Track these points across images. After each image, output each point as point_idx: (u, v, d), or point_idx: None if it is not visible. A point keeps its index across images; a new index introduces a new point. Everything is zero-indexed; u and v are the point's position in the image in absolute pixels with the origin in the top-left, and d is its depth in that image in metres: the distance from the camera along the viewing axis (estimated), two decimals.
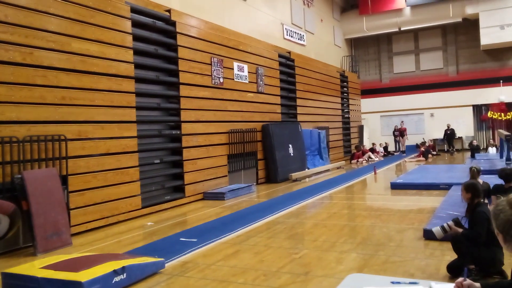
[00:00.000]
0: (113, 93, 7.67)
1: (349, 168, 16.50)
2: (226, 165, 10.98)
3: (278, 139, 12.89)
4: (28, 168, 6.10)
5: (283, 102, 14.42)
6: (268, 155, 12.71)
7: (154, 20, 9.01)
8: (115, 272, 4.13)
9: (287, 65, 14.88)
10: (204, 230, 6.68)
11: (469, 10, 20.05)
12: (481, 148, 20.42)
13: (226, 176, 10.97)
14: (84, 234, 6.82)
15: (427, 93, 22.44)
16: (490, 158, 14.68)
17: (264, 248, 5.51)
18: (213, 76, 10.55)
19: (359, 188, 11.26)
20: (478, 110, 21.94)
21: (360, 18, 22.19)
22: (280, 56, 14.30)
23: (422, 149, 18.96)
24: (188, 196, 9.49)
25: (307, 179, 13.11)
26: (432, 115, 22.54)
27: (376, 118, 23.90)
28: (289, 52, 15.26)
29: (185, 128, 9.55)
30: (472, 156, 16.19)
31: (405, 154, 20.66)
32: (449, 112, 21.81)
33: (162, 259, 4.87)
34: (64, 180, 6.56)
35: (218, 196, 9.80)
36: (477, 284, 2.21)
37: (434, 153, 20.11)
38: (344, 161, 17.70)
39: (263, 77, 12.99)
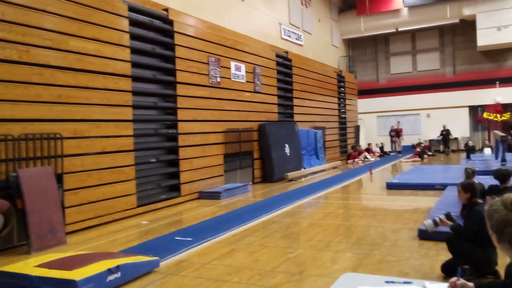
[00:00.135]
0: (109, 92, 7.66)
1: (345, 168, 16.52)
2: (222, 164, 10.98)
3: (274, 138, 12.90)
4: (23, 166, 6.09)
5: (280, 102, 14.43)
6: (264, 154, 12.71)
7: (152, 19, 8.99)
8: (110, 271, 4.13)
9: (284, 65, 14.89)
10: (200, 229, 6.68)
11: (466, 11, 20.12)
12: (477, 149, 20.49)
13: (222, 175, 10.97)
14: (79, 232, 6.81)
15: (424, 94, 22.49)
16: (485, 159, 14.73)
17: (259, 247, 5.51)
18: (210, 75, 10.54)
19: (355, 188, 11.28)
20: (474, 111, 22.02)
21: (357, 18, 22.22)
22: (277, 56, 14.30)
23: (418, 149, 19.02)
24: (184, 195, 9.49)
25: (303, 179, 13.12)
26: (428, 115, 22.60)
27: (372, 119, 23.94)
28: (287, 52, 15.26)
29: (182, 127, 9.54)
30: (468, 157, 16.24)
31: (401, 155, 20.71)
32: (446, 113, 21.88)
33: (157, 258, 4.87)
34: (59, 178, 6.54)
35: (213, 195, 9.79)
36: (471, 284, 2.21)
37: (430, 153, 20.18)
38: (340, 161, 17.72)
39: (260, 77, 12.99)
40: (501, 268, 3.85)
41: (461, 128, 21.86)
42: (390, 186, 10.20)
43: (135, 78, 8.38)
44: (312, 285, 4.11)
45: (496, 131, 15.38)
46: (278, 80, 14.32)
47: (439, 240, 4.99)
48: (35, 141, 6.28)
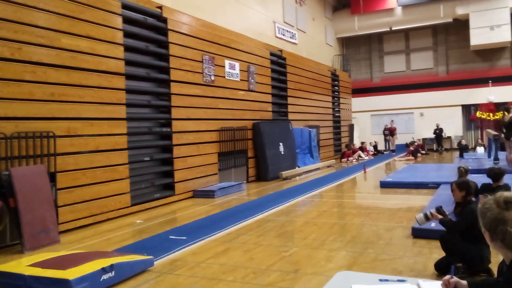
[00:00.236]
0: (103, 90, 7.61)
1: (339, 166, 16.57)
2: (216, 163, 10.97)
3: (268, 137, 12.90)
4: (15, 165, 6.04)
5: (274, 101, 14.43)
6: (258, 153, 12.71)
7: (145, 17, 8.96)
8: (104, 270, 4.11)
9: (278, 63, 14.89)
10: (194, 228, 6.66)
11: (460, 11, 20.22)
12: (470, 148, 20.62)
13: (217, 174, 10.96)
14: (73, 231, 6.77)
15: (417, 93, 22.58)
16: (478, 158, 14.83)
17: (254, 246, 5.51)
18: (204, 73, 10.52)
19: (349, 187, 11.31)
20: (467, 110, 22.15)
21: (351, 17, 22.27)
22: (271, 54, 14.30)
23: (412, 148, 19.10)
24: (178, 194, 9.46)
25: (297, 178, 13.13)
26: (422, 114, 22.70)
27: (366, 117, 24.01)
28: (281, 51, 15.26)
29: (176, 125, 9.51)
30: (461, 156, 16.34)
31: (394, 153, 20.79)
32: (439, 111, 21.99)
33: (151, 257, 4.85)
34: (52, 177, 6.50)
35: (208, 194, 9.78)
36: (464, 282, 2.23)
37: (423, 152, 20.28)
38: (334, 160, 17.77)
39: (255, 75, 12.98)
40: (494, 266, 3.88)
41: (454, 127, 21.99)
42: (384, 185, 10.25)
43: (128, 76, 8.34)
44: (306, 284, 4.12)
45: (489, 130, 15.47)
46: (273, 79, 14.32)
47: (432, 238, 5.02)
48: (27, 140, 6.23)
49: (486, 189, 5.90)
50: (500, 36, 19.60)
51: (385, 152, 21.74)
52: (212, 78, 10.85)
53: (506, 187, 5.83)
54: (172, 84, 9.43)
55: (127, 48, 8.34)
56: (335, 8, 23.02)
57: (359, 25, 22.25)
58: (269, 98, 13.98)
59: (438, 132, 21.06)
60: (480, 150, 18.14)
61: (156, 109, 9.35)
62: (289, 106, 15.39)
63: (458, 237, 4.08)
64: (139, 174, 8.61)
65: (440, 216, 4.21)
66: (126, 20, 8.36)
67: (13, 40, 6.14)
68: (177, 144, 9.54)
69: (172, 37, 9.49)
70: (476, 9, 19.83)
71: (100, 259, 4.31)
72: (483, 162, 12.64)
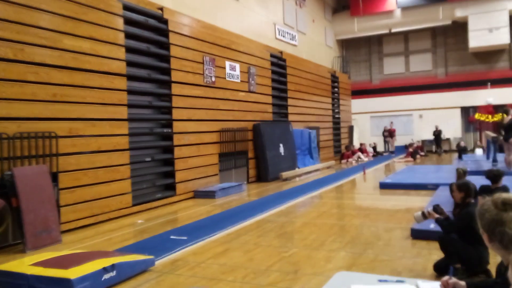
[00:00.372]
0: (104, 91, 7.65)
1: (339, 168, 16.61)
2: (217, 163, 11.00)
3: (269, 138, 12.94)
4: (18, 165, 6.08)
5: (275, 102, 14.47)
6: (259, 154, 12.75)
7: (147, 18, 9.00)
8: (105, 270, 4.14)
9: (278, 65, 14.93)
10: (195, 228, 6.70)
11: (459, 13, 20.28)
12: (468, 150, 20.67)
13: (217, 174, 10.99)
14: (74, 231, 6.80)
15: (416, 95, 22.65)
16: (477, 159, 14.89)
17: (254, 246, 5.55)
18: (205, 74, 10.56)
19: (349, 188, 11.35)
20: (466, 112, 22.21)
21: (351, 19, 22.32)
22: (272, 56, 14.34)
23: (411, 149, 19.15)
24: (179, 194, 9.50)
25: (297, 179, 13.17)
26: (421, 116, 22.76)
27: (366, 119, 24.06)
28: (281, 52, 15.31)
29: (177, 126, 9.55)
30: (460, 157, 16.38)
31: (394, 155, 20.84)
32: (438, 113, 22.05)
33: (152, 256, 4.88)
34: (54, 177, 6.53)
35: (208, 195, 9.81)
36: (463, 283, 2.26)
37: (422, 153, 20.32)
38: (334, 161, 17.80)
39: (255, 77, 13.03)
40: (492, 267, 3.92)
41: (453, 129, 22.04)
42: (383, 186, 10.29)
43: (130, 77, 8.38)
44: (306, 284, 4.15)
45: (488, 132, 15.53)
46: (273, 80, 14.36)
47: (431, 239, 5.06)
48: (30, 140, 6.27)
49: (485, 190, 5.93)
50: (498, 39, 19.67)
51: (384, 154, 21.78)
52: (213, 79, 10.89)
53: (504, 189, 5.86)
54: (173, 85, 9.47)
55: (129, 49, 8.38)
56: (335, 10, 23.07)
57: (359, 27, 22.31)
58: (269, 99, 14.03)
59: (437, 133, 21.12)
60: (479, 151, 18.19)
61: (157, 110, 9.40)
62: (289, 108, 15.43)
63: (457, 239, 4.12)
64: (140, 175, 8.64)
65: (436, 215, 4.25)
66: (128, 22, 8.41)
67: (16, 41, 6.18)
68: (178, 145, 9.58)
69: (173, 39, 9.53)
70: (475, 11, 19.90)
71: (101, 259, 4.34)
72: (481, 164, 12.70)
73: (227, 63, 11.62)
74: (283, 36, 16.39)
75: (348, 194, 10.54)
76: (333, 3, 22.93)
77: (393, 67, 23.79)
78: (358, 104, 23.66)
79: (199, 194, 9.93)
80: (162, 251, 5.34)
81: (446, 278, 2.28)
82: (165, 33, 9.41)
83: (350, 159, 18.30)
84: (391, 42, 23.82)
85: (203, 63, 10.50)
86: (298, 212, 8.17)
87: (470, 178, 6.76)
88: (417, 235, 5.53)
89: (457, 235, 4.15)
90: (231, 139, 11.55)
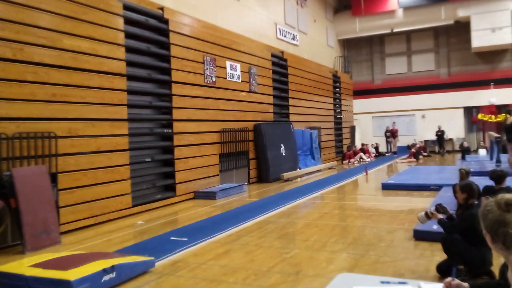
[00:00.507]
0: (104, 91, 7.62)
1: (341, 168, 16.55)
2: (217, 164, 10.96)
3: (270, 138, 12.90)
4: (17, 165, 6.04)
5: (276, 102, 14.43)
6: (260, 154, 12.71)
7: (147, 18, 8.97)
8: (105, 271, 4.11)
9: (280, 64, 14.89)
10: (195, 229, 6.66)
11: (461, 13, 20.21)
12: (472, 150, 20.59)
13: (218, 175, 10.95)
14: (74, 232, 6.77)
15: (419, 95, 22.57)
16: (480, 160, 14.81)
17: (255, 247, 5.50)
18: (205, 74, 10.52)
19: (351, 189, 11.30)
20: (469, 112, 22.13)
21: (353, 19, 22.27)
22: (273, 55, 14.30)
23: (413, 150, 19.08)
24: (179, 195, 9.46)
25: (298, 179, 13.12)
26: (423, 116, 22.69)
27: (368, 119, 24.00)
28: (282, 52, 15.27)
29: (177, 126, 9.52)
30: (463, 158, 16.31)
31: (396, 155, 20.77)
32: (440, 113, 21.97)
33: (152, 258, 4.85)
34: (53, 177, 6.50)
35: (209, 195, 9.77)
36: (466, 284, 2.22)
37: (425, 154, 20.25)
38: (335, 162, 17.75)
39: (256, 77, 12.99)
40: (495, 268, 3.87)
41: (456, 129, 21.96)
42: (386, 187, 10.22)
43: (130, 77, 8.35)
44: (307, 286, 4.11)
45: (491, 132, 15.45)
46: (274, 80, 14.32)
47: (434, 240, 5.01)
48: (29, 140, 6.23)
49: (489, 191, 5.87)
50: (501, 38, 19.59)
51: (386, 154, 21.71)
52: (213, 79, 10.85)
53: (508, 190, 5.80)
54: (173, 85, 9.43)
55: (129, 49, 8.35)
56: (336, 9, 23.03)
57: (360, 26, 22.25)
58: (270, 99, 13.99)
59: (440, 134, 21.04)
60: (482, 152, 18.10)
61: (157, 110, 9.36)
62: (290, 108, 15.39)
63: (460, 240, 4.07)
64: (140, 175, 8.61)
65: (440, 216, 4.21)
66: (128, 21, 8.38)
67: (15, 40, 6.15)
68: (178, 145, 9.54)
69: (173, 38, 9.50)
70: (478, 11, 19.82)
71: (101, 260, 4.31)
72: (485, 164, 12.62)
73: (228, 63, 11.58)
74: (284, 36, 16.35)
75: (350, 195, 10.48)
76: (335, 3, 22.89)
77: (395, 67, 23.73)
78: (360, 104, 23.60)
79: (199, 195, 9.89)
80: (162, 252, 5.30)
81: (449, 279, 2.24)
82: (165, 33, 9.38)
83: (352, 160, 18.25)
84: (393, 42, 23.75)
85: (203, 63, 10.47)
86: (300, 213, 8.12)
87: (474, 179, 6.72)
88: (420, 236, 5.48)
89: (460, 236, 4.10)
90: (232, 139, 11.51)
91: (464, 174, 6.56)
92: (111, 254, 4.86)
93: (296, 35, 17.41)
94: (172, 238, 6.12)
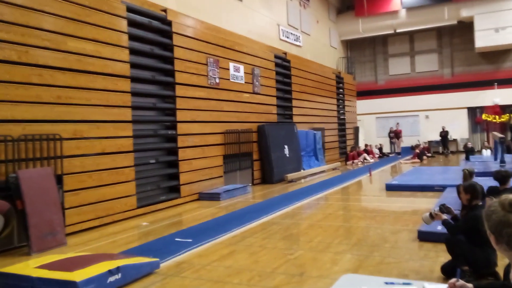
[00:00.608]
0: (108, 93, 7.66)
1: (345, 169, 16.54)
2: (221, 165, 10.98)
3: (273, 140, 12.91)
4: (23, 167, 6.08)
5: (279, 103, 14.44)
6: (263, 155, 12.72)
7: (150, 20, 9.00)
8: (110, 272, 4.13)
9: (283, 66, 14.90)
10: (200, 230, 6.68)
11: (464, 13, 20.16)
12: (476, 150, 20.53)
13: (222, 176, 10.97)
14: (79, 234, 6.80)
15: (422, 95, 22.54)
16: (485, 160, 14.77)
17: (259, 248, 5.52)
18: (209, 76, 10.55)
19: (354, 190, 11.29)
20: (473, 112, 22.06)
21: (356, 19, 22.25)
22: (276, 57, 14.32)
23: (417, 151, 19.04)
24: (184, 197, 9.49)
25: (302, 180, 13.12)
26: (427, 117, 22.64)
27: (371, 120, 23.97)
28: (285, 53, 15.28)
29: (181, 128, 9.54)
30: (467, 158, 16.26)
31: (400, 156, 20.73)
32: (444, 114, 21.92)
33: (157, 259, 4.87)
34: (59, 179, 6.54)
35: (213, 197, 9.79)
36: (470, 285, 2.22)
37: (429, 155, 20.20)
38: (339, 162, 17.73)
39: (259, 78, 13.00)
40: (500, 269, 3.86)
41: (460, 130, 21.90)
42: (390, 188, 10.21)
43: (134, 79, 8.38)
44: (312, 287, 4.11)
45: (495, 133, 15.40)
46: (277, 81, 14.33)
47: (439, 241, 5.00)
48: (34, 142, 6.27)
49: (493, 192, 5.87)
50: (505, 38, 19.52)
51: (390, 155, 21.67)
52: (217, 80, 10.88)
53: None
54: (177, 86, 9.46)
55: (132, 51, 8.38)
56: (339, 10, 23.02)
57: (364, 27, 22.24)
58: (273, 100, 14.00)
59: (444, 134, 20.99)
60: (487, 152, 18.04)
61: (161, 111, 9.39)
62: (294, 109, 15.39)
63: (464, 240, 4.07)
64: (144, 177, 8.64)
65: (444, 217, 4.22)
66: (131, 23, 8.41)
67: (20, 43, 6.19)
68: (182, 147, 9.56)
69: (177, 40, 9.53)
70: (481, 11, 19.76)
71: (106, 261, 4.34)
72: (489, 165, 12.59)
73: (231, 65, 11.61)
74: (287, 37, 16.37)
75: (354, 196, 10.48)
76: (338, 4, 22.88)
77: (398, 67, 23.70)
78: (363, 105, 23.58)
79: (203, 196, 9.91)
80: (167, 254, 5.32)
81: (453, 280, 2.24)
82: (168, 34, 9.41)
83: (355, 161, 18.23)
84: (396, 43, 23.72)
85: (207, 64, 10.49)
86: (304, 214, 8.13)
87: (478, 180, 6.70)
88: (424, 237, 5.47)
89: (464, 237, 4.10)
90: (236, 140, 11.53)
91: (467, 175, 6.53)
92: (116, 256, 4.89)
93: (299, 36, 17.42)
94: (176, 239, 6.14)
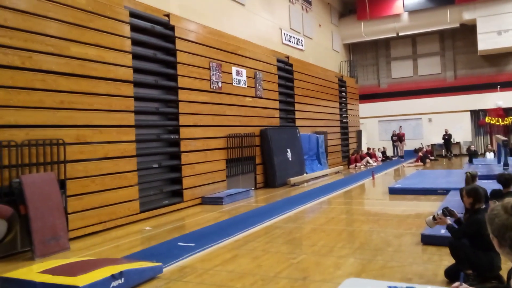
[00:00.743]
0: (111, 97, 7.68)
1: (347, 173, 16.51)
2: (224, 169, 10.98)
3: (276, 143, 12.91)
4: (26, 172, 6.10)
5: (282, 107, 14.45)
6: (266, 159, 12.72)
7: (153, 25, 9.04)
8: (113, 277, 4.13)
9: (285, 69, 14.92)
10: (202, 234, 6.67)
11: (467, 16, 20.16)
12: (479, 153, 20.46)
13: (225, 180, 10.97)
14: (82, 238, 6.81)
15: (425, 98, 22.51)
16: (488, 163, 14.71)
17: (262, 253, 5.51)
18: (211, 80, 10.57)
19: (357, 193, 11.27)
20: (476, 115, 22.01)
21: (358, 23, 22.28)
22: (278, 61, 14.34)
23: (420, 154, 19.01)
24: (187, 201, 9.49)
25: (305, 184, 13.11)
26: (430, 120, 22.60)
27: (374, 123, 23.94)
28: (288, 57, 15.30)
29: (184, 132, 9.56)
30: (470, 161, 16.22)
31: (403, 159, 20.69)
32: (447, 117, 21.87)
33: (160, 263, 4.87)
34: (62, 184, 6.55)
35: (216, 201, 9.79)
36: None
37: (432, 158, 20.16)
38: (342, 166, 17.71)
39: (262, 82, 13.02)
40: (504, 273, 3.84)
41: (463, 133, 21.84)
42: (393, 191, 10.19)
43: (137, 84, 8.41)
44: None
45: (498, 136, 15.35)
46: (280, 85, 14.35)
47: (442, 245, 4.98)
48: (38, 147, 6.30)
49: (496, 195, 5.85)
50: (508, 41, 19.49)
51: (393, 158, 21.64)
52: (220, 85, 10.90)
53: None
54: (179, 91, 9.49)
55: (135, 56, 8.42)
56: (341, 14, 23.06)
57: (366, 31, 22.25)
58: (276, 104, 14.01)
59: (447, 137, 20.95)
60: (490, 155, 17.98)
61: (164, 116, 9.41)
62: (296, 113, 15.39)
63: (468, 244, 4.06)
64: (147, 181, 8.65)
65: (448, 221, 4.21)
66: (134, 28, 8.45)
67: (23, 48, 6.23)
68: (185, 151, 9.58)
69: (179, 45, 9.56)
70: (483, 14, 19.75)
71: (109, 266, 4.34)
72: (492, 168, 12.53)
73: (234, 69, 11.63)
74: (290, 41, 16.40)
75: (357, 199, 10.45)
76: (340, 8, 22.93)
77: (401, 70, 23.69)
78: (366, 108, 23.55)
79: (206, 201, 9.91)
80: (170, 258, 5.32)
81: (456, 284, 2.23)
82: (171, 39, 9.44)
83: (358, 164, 18.21)
84: (398, 46, 23.73)
85: (209, 68, 10.52)
86: (307, 218, 8.11)
87: (481, 183, 6.68)
88: (428, 240, 5.45)
89: (467, 241, 4.09)
90: (238, 144, 11.54)
91: (470, 178, 6.49)
92: (119, 260, 4.89)
93: (301, 40, 17.45)
94: (179, 243, 6.14)
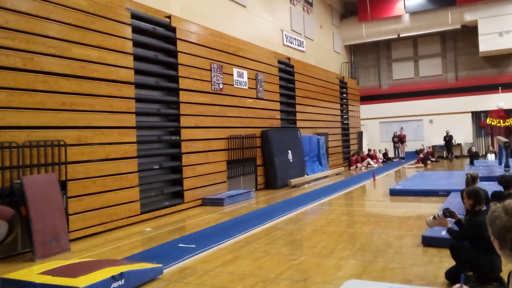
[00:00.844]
0: (113, 99, 7.70)
1: (348, 174, 16.50)
2: (225, 171, 10.99)
3: (277, 145, 12.91)
4: (27, 173, 6.11)
5: (283, 108, 14.45)
6: (267, 161, 12.72)
7: (154, 26, 9.06)
8: (113, 278, 4.13)
9: (286, 71, 14.93)
10: (203, 236, 6.67)
11: (468, 17, 20.15)
12: (480, 155, 20.43)
13: (225, 182, 10.97)
14: (83, 239, 6.82)
15: (426, 100, 22.49)
16: (489, 165, 14.69)
17: (262, 254, 5.51)
18: (212, 82, 10.58)
19: (358, 195, 11.26)
20: (477, 116, 21.99)
21: (359, 24, 22.28)
22: (279, 62, 14.35)
23: (421, 155, 18.99)
24: (187, 202, 9.49)
25: (306, 185, 13.10)
26: (431, 121, 22.58)
27: (375, 125, 23.92)
28: (289, 58, 15.31)
29: (185, 133, 9.57)
30: (471, 163, 16.19)
31: (404, 161, 20.67)
32: (448, 118, 21.85)
33: (161, 265, 4.87)
34: (63, 185, 6.56)
35: (217, 202, 9.79)
36: None
37: (433, 159, 20.13)
38: (343, 167, 17.70)
39: (263, 83, 13.03)
40: (504, 275, 3.84)
41: (464, 134, 21.82)
42: (394, 193, 10.18)
43: (138, 85, 8.43)
44: None
45: (500, 137, 15.33)
46: (281, 87, 14.35)
47: (443, 246, 4.98)
48: (39, 148, 6.31)
49: (497, 196, 5.84)
50: (509, 42, 19.48)
51: (394, 160, 21.62)
52: (221, 86, 10.91)
53: None
54: (181, 92, 9.50)
55: (137, 58, 8.43)
56: (343, 15, 23.07)
57: (367, 32, 22.26)
58: (277, 105, 14.01)
59: (448, 139, 20.92)
60: (491, 157, 17.96)
61: (165, 117, 9.42)
62: (297, 114, 15.40)
63: (468, 246, 4.06)
64: (148, 182, 8.65)
65: (449, 225, 4.21)
66: (136, 30, 8.47)
67: (25, 50, 6.24)
68: (186, 152, 9.58)
69: (180, 46, 9.57)
70: (484, 15, 19.74)
71: (110, 267, 4.34)
72: (494, 169, 12.52)
73: (235, 70, 11.64)
74: (291, 43, 16.41)
75: (358, 201, 10.44)
76: (341, 9, 22.94)
77: (402, 72, 23.67)
78: (367, 110, 23.55)
79: (207, 202, 9.91)
80: (171, 259, 5.32)
81: (457, 286, 2.23)
82: (173, 41, 9.46)
83: (359, 165, 18.20)
84: (399, 47, 23.72)
85: (210, 70, 10.53)
86: (307, 219, 8.11)
87: (482, 184, 6.68)
88: (428, 242, 5.45)
89: (468, 242, 4.08)
90: (239, 146, 11.54)
91: (470, 180, 6.48)
92: (119, 261, 4.89)
93: (302, 41, 17.46)
94: (180, 245, 6.14)
